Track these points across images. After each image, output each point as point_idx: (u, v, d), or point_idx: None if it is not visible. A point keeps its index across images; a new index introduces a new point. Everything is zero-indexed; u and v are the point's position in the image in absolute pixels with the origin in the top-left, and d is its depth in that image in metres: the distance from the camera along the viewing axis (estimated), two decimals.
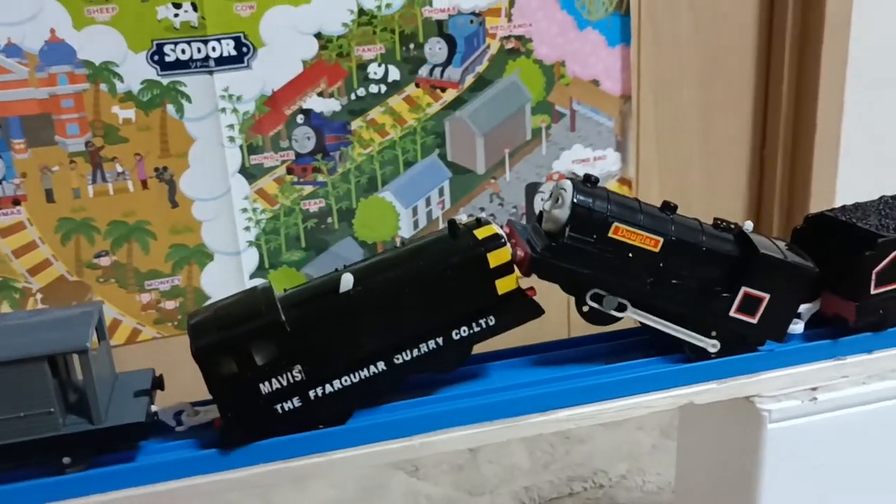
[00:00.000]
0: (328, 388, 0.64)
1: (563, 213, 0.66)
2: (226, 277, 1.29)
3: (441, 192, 1.36)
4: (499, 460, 1.25)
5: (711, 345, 0.71)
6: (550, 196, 0.68)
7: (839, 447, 0.74)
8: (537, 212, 1.41)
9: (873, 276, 0.72)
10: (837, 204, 1.56)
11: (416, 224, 1.36)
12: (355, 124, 1.29)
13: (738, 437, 0.75)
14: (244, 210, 1.27)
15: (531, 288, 0.67)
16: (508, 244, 0.66)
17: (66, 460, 0.62)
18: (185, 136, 1.22)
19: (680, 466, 0.89)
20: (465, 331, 0.66)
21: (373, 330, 0.64)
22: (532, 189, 1.40)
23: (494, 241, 0.65)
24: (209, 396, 0.64)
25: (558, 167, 1.40)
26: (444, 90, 1.31)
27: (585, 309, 0.69)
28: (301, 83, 1.25)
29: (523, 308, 0.67)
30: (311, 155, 1.29)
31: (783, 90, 1.44)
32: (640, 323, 0.70)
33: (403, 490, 1.20)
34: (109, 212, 1.22)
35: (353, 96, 1.27)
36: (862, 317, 0.73)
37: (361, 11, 1.24)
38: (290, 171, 1.28)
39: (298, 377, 0.63)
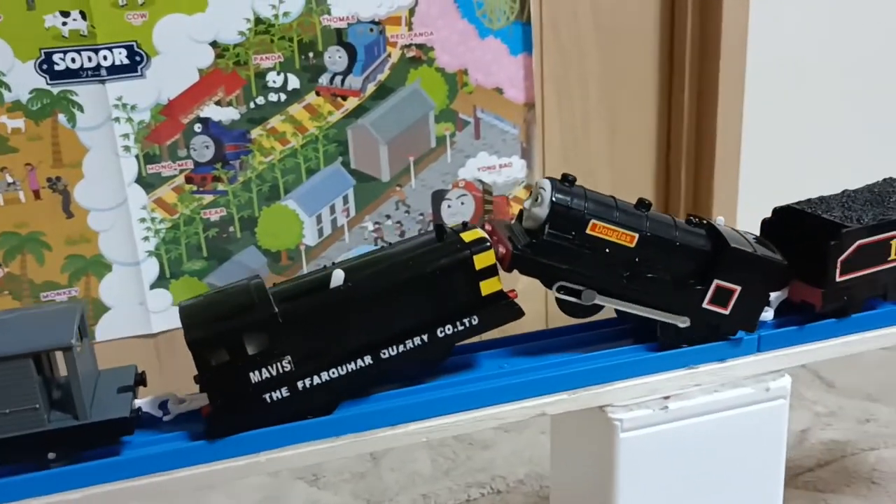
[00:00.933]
0: (316, 380, 0.66)
1: (542, 211, 0.70)
2: (125, 288, 1.28)
3: (345, 200, 1.36)
4: (401, 467, 1.25)
5: (681, 320, 0.74)
6: (531, 195, 0.72)
7: (691, 454, 0.75)
8: (445, 220, 1.42)
9: (838, 265, 0.77)
10: (740, 210, 1.60)
11: (320, 232, 1.36)
12: (255, 133, 1.28)
13: (595, 446, 0.76)
14: (142, 220, 1.26)
15: (512, 290, 0.71)
16: (493, 248, 0.69)
17: (51, 455, 0.63)
18: (79, 145, 1.20)
19: (553, 474, 0.91)
20: (449, 329, 0.69)
21: (361, 325, 0.67)
22: (438, 196, 1.41)
23: (480, 244, 0.69)
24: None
25: (464, 175, 1.41)
26: (345, 98, 1.31)
27: (559, 299, 0.72)
28: (197, 92, 1.24)
29: (505, 309, 0.70)
30: (211, 164, 1.28)
31: (685, 98, 1.47)
32: (617, 311, 0.75)
33: (303, 499, 1.20)
34: (0, 223, 1.20)
35: (252, 105, 1.27)
36: (828, 302, 0.78)
37: (258, 20, 1.23)
38: (189, 180, 1.27)
39: (288, 367, 0.65)
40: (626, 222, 0.71)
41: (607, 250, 0.71)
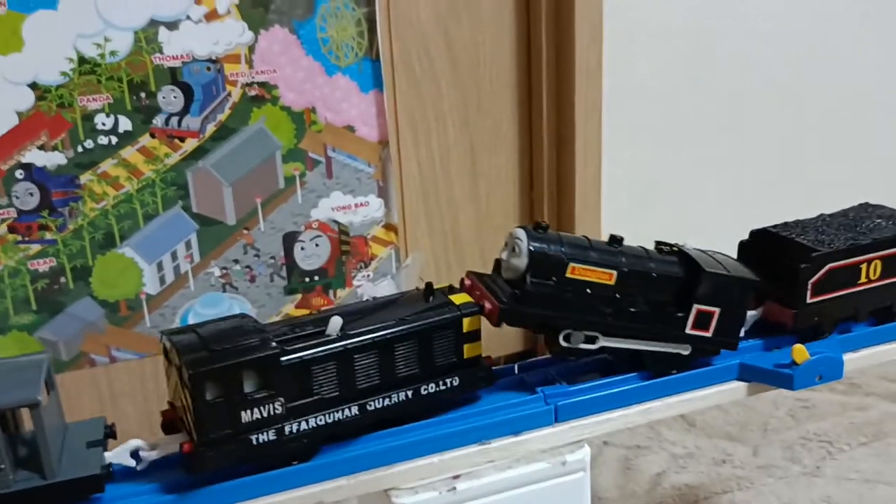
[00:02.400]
0: (303, 425, 0.66)
1: (521, 262, 0.71)
2: None
3: (188, 246, 1.30)
4: None
5: (683, 348, 0.76)
6: (506, 246, 0.73)
7: None
8: (299, 263, 1.36)
9: (809, 287, 0.80)
10: None
11: (162, 280, 1.29)
12: (85, 178, 1.21)
13: None
14: None
15: (489, 356, 0.73)
16: (479, 312, 0.71)
17: None
18: None
19: None
20: (432, 387, 0.71)
21: (351, 374, 0.68)
22: (291, 238, 1.35)
23: (470, 308, 0.71)
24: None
25: (317, 215, 1.36)
26: (183, 140, 1.25)
27: (556, 349, 0.73)
28: (17, 136, 1.16)
29: (482, 374, 0.73)
30: (36, 212, 1.20)
31: (544, 134, 1.44)
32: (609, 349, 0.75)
33: None
34: None
35: (79, 149, 1.20)
36: (800, 322, 0.81)
37: (82, 59, 1.16)
38: (12, 229, 1.19)
39: (279, 410, 0.65)
40: (604, 261, 0.73)
41: (588, 291, 0.72)
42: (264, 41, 1.25)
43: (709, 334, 0.76)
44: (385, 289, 1.42)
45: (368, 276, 1.42)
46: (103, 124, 1.20)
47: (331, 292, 1.40)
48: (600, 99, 1.41)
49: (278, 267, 1.36)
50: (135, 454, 0.66)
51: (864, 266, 0.82)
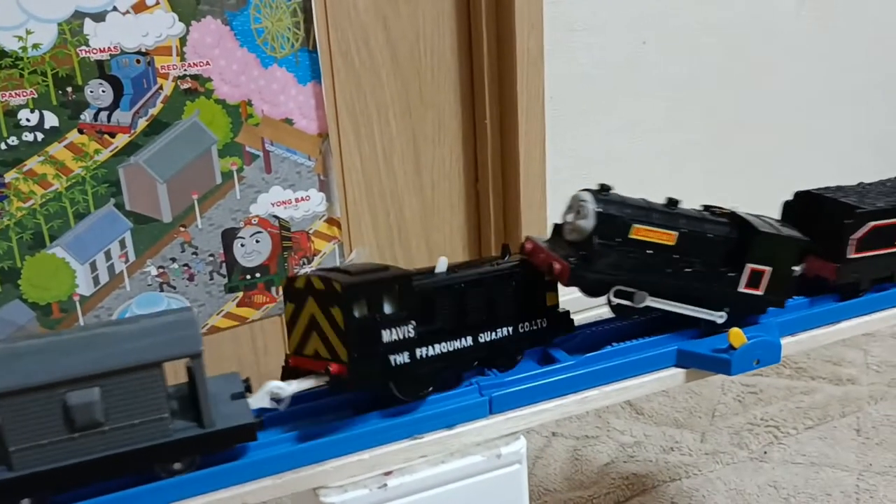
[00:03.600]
0: (430, 351, 0.70)
1: (588, 223, 0.72)
2: None
3: (122, 245, 1.26)
4: None
5: (719, 316, 0.78)
6: (570, 209, 0.74)
7: None
8: (239, 260, 1.32)
9: (852, 242, 0.83)
10: (549, 232, 1.57)
11: (96, 280, 1.25)
12: (10, 176, 1.17)
13: None
14: None
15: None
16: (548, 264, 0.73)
17: (177, 466, 0.62)
18: None
19: None
20: (527, 326, 0.76)
21: (461, 309, 0.72)
22: (230, 235, 1.32)
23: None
24: None
25: (257, 211, 1.33)
26: (113, 135, 1.21)
27: (615, 304, 0.74)
28: None
29: (565, 319, 0.78)
30: None
31: (487, 122, 1.43)
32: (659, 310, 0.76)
33: None
34: None
35: (2, 146, 1.15)
36: (841, 277, 0.84)
37: (3, 53, 1.12)
38: None
39: (411, 334, 0.68)
40: (664, 222, 0.74)
41: (649, 251, 0.73)
42: (196, 32, 1.22)
43: (760, 293, 0.79)
44: None
45: None
46: (27, 120, 1.16)
47: (273, 289, 1.37)
48: (542, 87, 1.39)
49: (218, 265, 1.33)
50: (274, 398, 0.68)
51: None
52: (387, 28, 1.35)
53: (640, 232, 0.73)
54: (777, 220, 0.83)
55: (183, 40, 1.21)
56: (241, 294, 1.35)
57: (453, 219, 1.49)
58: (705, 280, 0.76)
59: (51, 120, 1.17)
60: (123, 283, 1.27)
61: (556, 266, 0.71)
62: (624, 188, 1.63)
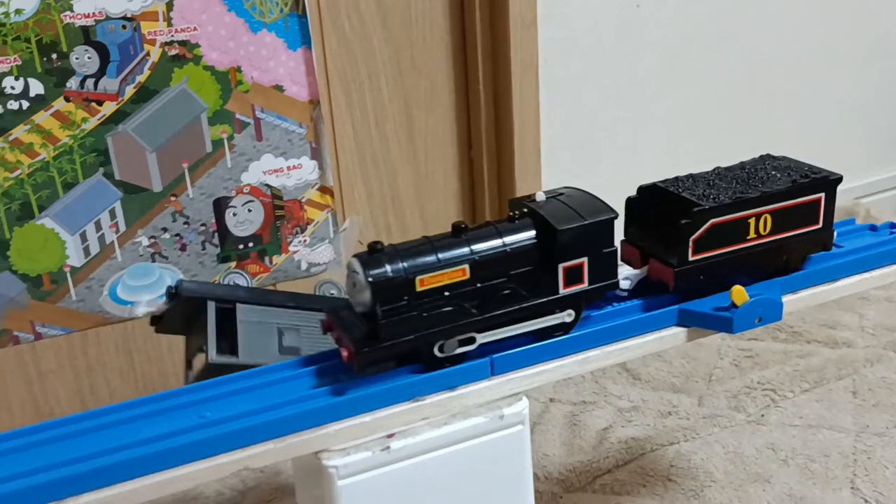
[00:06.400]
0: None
1: (365, 295, 0.66)
2: None
3: (113, 215, 1.24)
4: None
5: (566, 315, 0.73)
6: (347, 282, 0.68)
7: (421, 495, 0.69)
8: (231, 230, 1.31)
9: (690, 244, 0.75)
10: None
11: (87, 251, 1.23)
12: None
13: (319, 491, 0.69)
14: None
15: None
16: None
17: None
18: None
19: None
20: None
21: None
22: (221, 204, 1.30)
23: None
24: None
25: (248, 180, 1.31)
26: (100, 103, 1.19)
27: (439, 357, 0.69)
28: None
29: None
30: None
31: (480, 89, 1.41)
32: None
33: None
34: None
35: None
36: (680, 282, 0.76)
37: None
38: None
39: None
40: (451, 259, 0.68)
41: (446, 294, 0.68)
42: None
43: (585, 286, 0.73)
44: (323, 254, 1.39)
45: (305, 241, 1.38)
46: (12, 88, 1.13)
47: (266, 259, 1.36)
48: (536, 53, 1.38)
49: (210, 234, 1.31)
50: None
51: (752, 221, 0.77)
52: None
53: (427, 282, 0.67)
54: (583, 195, 0.75)
55: (170, 5, 1.19)
56: (234, 264, 1.34)
57: (447, 186, 1.47)
58: (521, 297, 0.71)
59: (36, 87, 1.14)
60: (114, 254, 1.25)
61: (344, 353, 0.67)
62: (618, 153, 1.62)
